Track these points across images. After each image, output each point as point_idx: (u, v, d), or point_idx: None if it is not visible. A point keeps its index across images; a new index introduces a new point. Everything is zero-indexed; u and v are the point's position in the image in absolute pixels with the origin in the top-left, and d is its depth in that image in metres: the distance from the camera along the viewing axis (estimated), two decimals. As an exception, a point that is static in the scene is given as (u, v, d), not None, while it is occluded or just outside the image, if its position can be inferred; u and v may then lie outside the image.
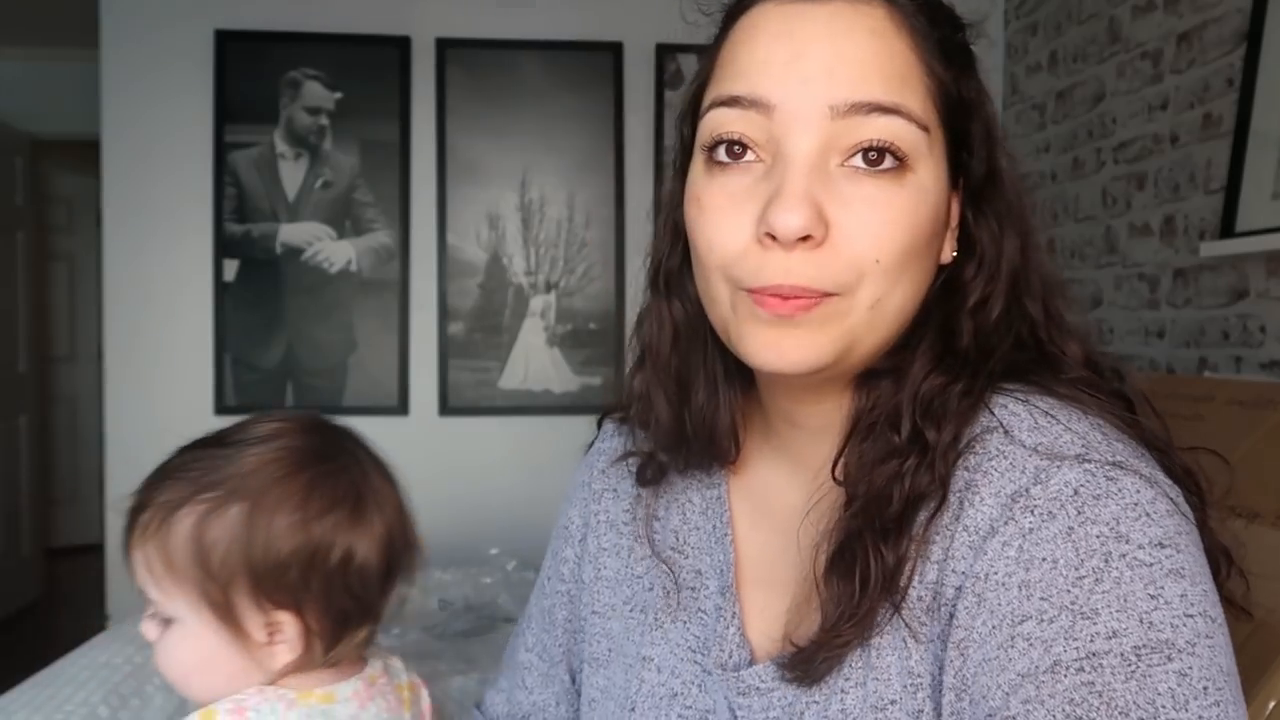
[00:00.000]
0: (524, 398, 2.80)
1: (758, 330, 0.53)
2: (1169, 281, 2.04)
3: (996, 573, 0.49)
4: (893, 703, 0.53)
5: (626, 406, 0.73)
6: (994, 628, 0.49)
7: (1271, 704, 0.88)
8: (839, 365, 0.54)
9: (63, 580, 4.51)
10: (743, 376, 0.64)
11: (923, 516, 0.54)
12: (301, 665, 0.67)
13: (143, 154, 2.71)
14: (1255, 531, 1.05)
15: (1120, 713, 0.44)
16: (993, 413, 0.54)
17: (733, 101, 0.54)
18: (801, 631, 0.58)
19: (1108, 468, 0.49)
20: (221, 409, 2.72)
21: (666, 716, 0.64)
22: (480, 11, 2.77)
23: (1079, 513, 0.48)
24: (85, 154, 3.60)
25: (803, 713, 0.57)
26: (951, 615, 0.51)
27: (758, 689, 0.60)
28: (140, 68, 2.71)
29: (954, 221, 0.58)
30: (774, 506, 0.65)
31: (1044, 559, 0.48)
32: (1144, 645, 0.45)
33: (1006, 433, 0.53)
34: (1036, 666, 0.46)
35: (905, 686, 0.53)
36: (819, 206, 0.51)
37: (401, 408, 2.75)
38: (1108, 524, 0.48)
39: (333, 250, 2.75)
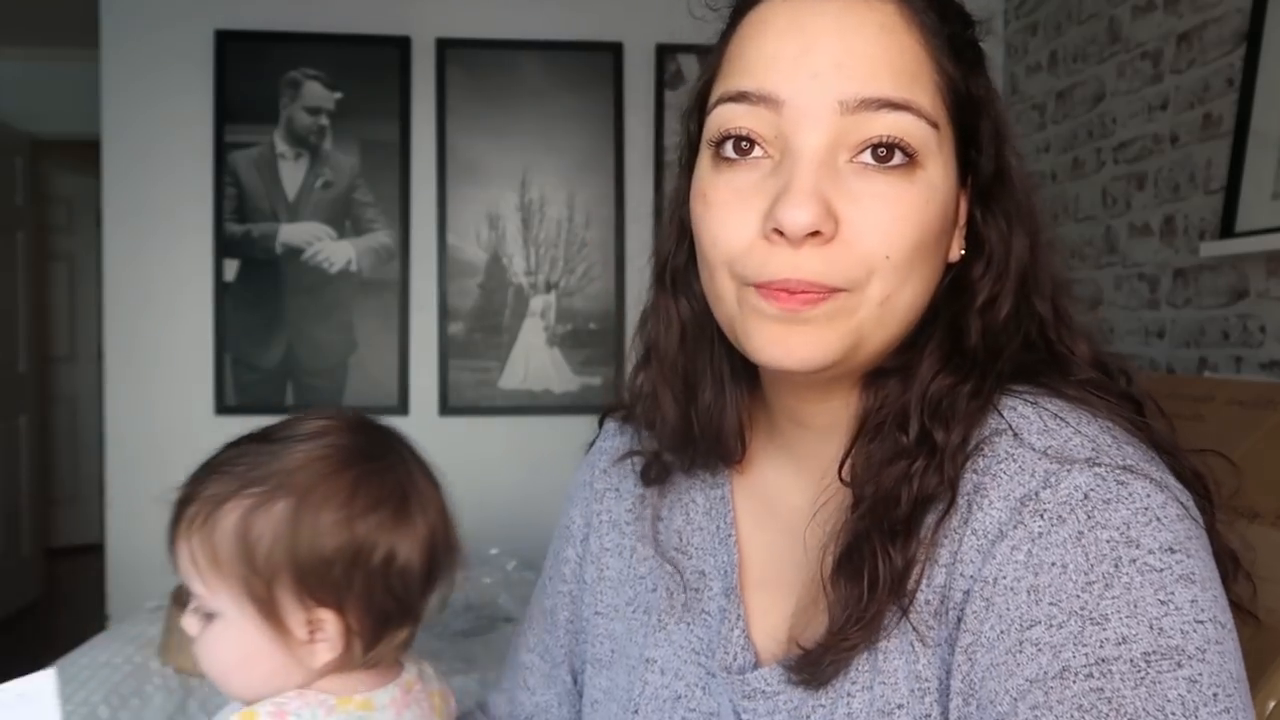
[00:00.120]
0: (524, 398, 2.80)
1: (764, 326, 0.53)
2: (1169, 281, 2.04)
3: (1005, 577, 0.49)
4: (900, 707, 0.53)
5: (629, 405, 0.73)
6: (1002, 632, 0.48)
7: (1271, 704, 0.88)
8: (846, 363, 0.54)
9: (63, 580, 4.51)
10: (749, 375, 0.64)
11: (931, 519, 0.53)
12: (341, 665, 0.67)
13: (143, 154, 2.71)
14: (1256, 532, 1.05)
15: (1129, 719, 0.44)
16: (1001, 415, 0.54)
17: (741, 97, 0.53)
18: (808, 634, 0.57)
19: (1118, 472, 0.49)
20: (222, 409, 2.72)
21: (670, 719, 0.64)
22: (480, 11, 2.77)
23: (1089, 517, 0.48)
24: (85, 154, 3.60)
25: (808, 716, 0.57)
26: (959, 619, 0.51)
27: (763, 692, 0.59)
28: (140, 68, 2.71)
29: (962, 219, 0.58)
30: (779, 507, 0.65)
31: (1053, 564, 0.48)
32: (1154, 652, 0.45)
33: (1015, 435, 0.52)
34: (1045, 672, 0.46)
35: (912, 691, 0.53)
36: (828, 202, 0.50)
37: (401, 408, 2.75)
38: (1118, 529, 0.47)
39: (333, 250, 2.75)
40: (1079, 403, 0.54)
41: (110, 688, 1.49)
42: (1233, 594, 0.51)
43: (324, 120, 2.73)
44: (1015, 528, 0.49)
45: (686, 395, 0.64)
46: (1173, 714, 0.44)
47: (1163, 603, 0.46)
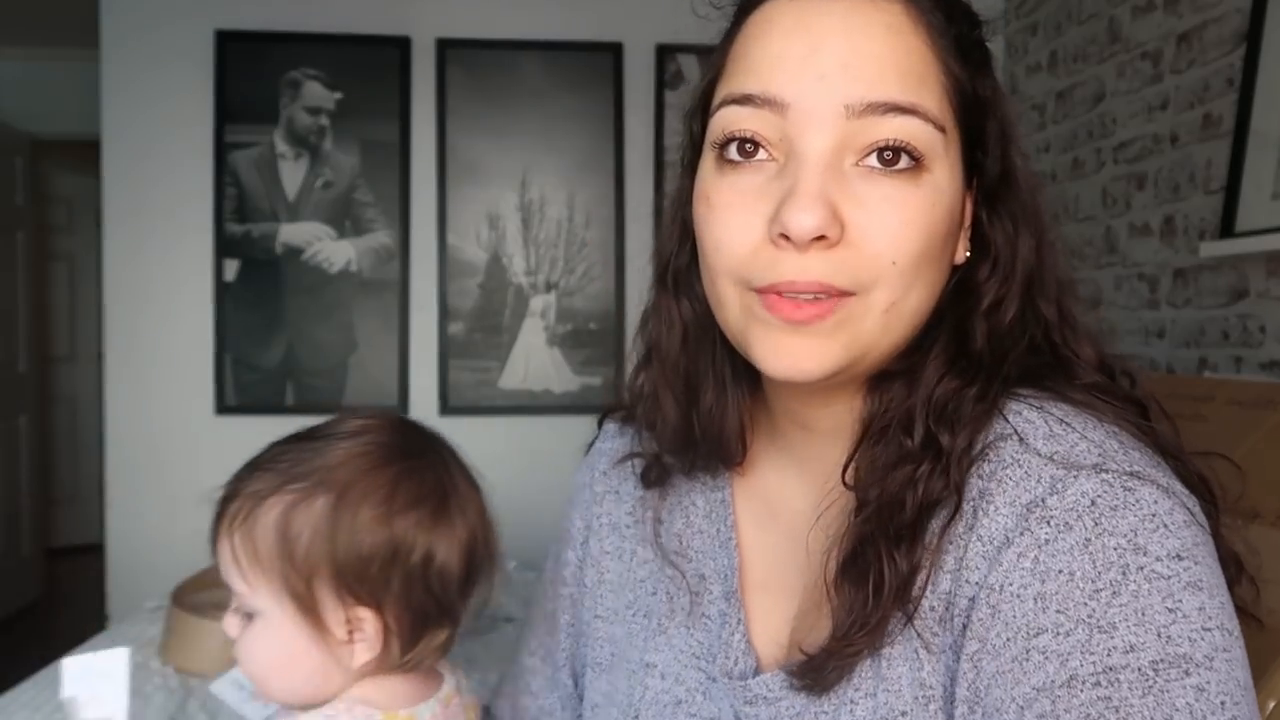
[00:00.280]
0: (524, 398, 2.80)
1: (769, 336, 0.52)
2: (1169, 281, 2.04)
3: (1012, 584, 0.48)
4: (903, 714, 0.52)
5: (628, 406, 0.72)
6: (1009, 640, 0.48)
7: (1272, 704, 0.88)
8: (851, 370, 0.54)
9: (63, 580, 4.51)
10: (750, 378, 0.63)
11: (936, 524, 0.53)
12: (379, 666, 0.67)
13: (143, 154, 2.71)
14: (1256, 532, 1.05)
15: None
16: (1007, 419, 0.54)
17: (745, 99, 0.52)
18: (811, 639, 0.57)
19: (1125, 478, 0.49)
20: (222, 409, 2.72)
21: None
22: (480, 11, 2.77)
23: (1096, 524, 0.47)
24: (85, 154, 3.59)
25: None
26: (965, 626, 0.50)
27: (765, 698, 0.59)
28: (140, 68, 2.70)
29: (967, 221, 0.57)
30: (781, 510, 0.65)
31: (1060, 571, 0.47)
32: (1162, 660, 0.44)
33: (1021, 440, 0.52)
34: (1052, 680, 0.46)
35: (916, 698, 0.52)
36: (833, 206, 0.50)
37: (401, 408, 2.75)
38: (1125, 536, 0.47)
39: (333, 250, 2.75)
40: (1084, 407, 0.54)
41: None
42: (1236, 597, 0.50)
43: (324, 120, 2.73)
44: (1022, 534, 0.49)
45: (688, 397, 0.64)
46: None
47: (1170, 610, 0.45)
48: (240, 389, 2.72)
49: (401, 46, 2.74)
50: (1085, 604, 0.46)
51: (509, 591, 2.02)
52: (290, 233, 2.73)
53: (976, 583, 0.50)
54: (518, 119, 2.77)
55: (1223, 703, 0.44)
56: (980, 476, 0.52)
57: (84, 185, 4.63)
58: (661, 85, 2.79)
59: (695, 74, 2.77)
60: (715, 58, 0.58)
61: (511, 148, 2.78)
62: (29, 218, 4.26)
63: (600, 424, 0.79)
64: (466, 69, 2.76)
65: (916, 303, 0.53)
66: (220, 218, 2.71)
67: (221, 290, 2.72)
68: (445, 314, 2.78)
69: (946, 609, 0.52)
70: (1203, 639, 0.45)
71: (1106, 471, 0.49)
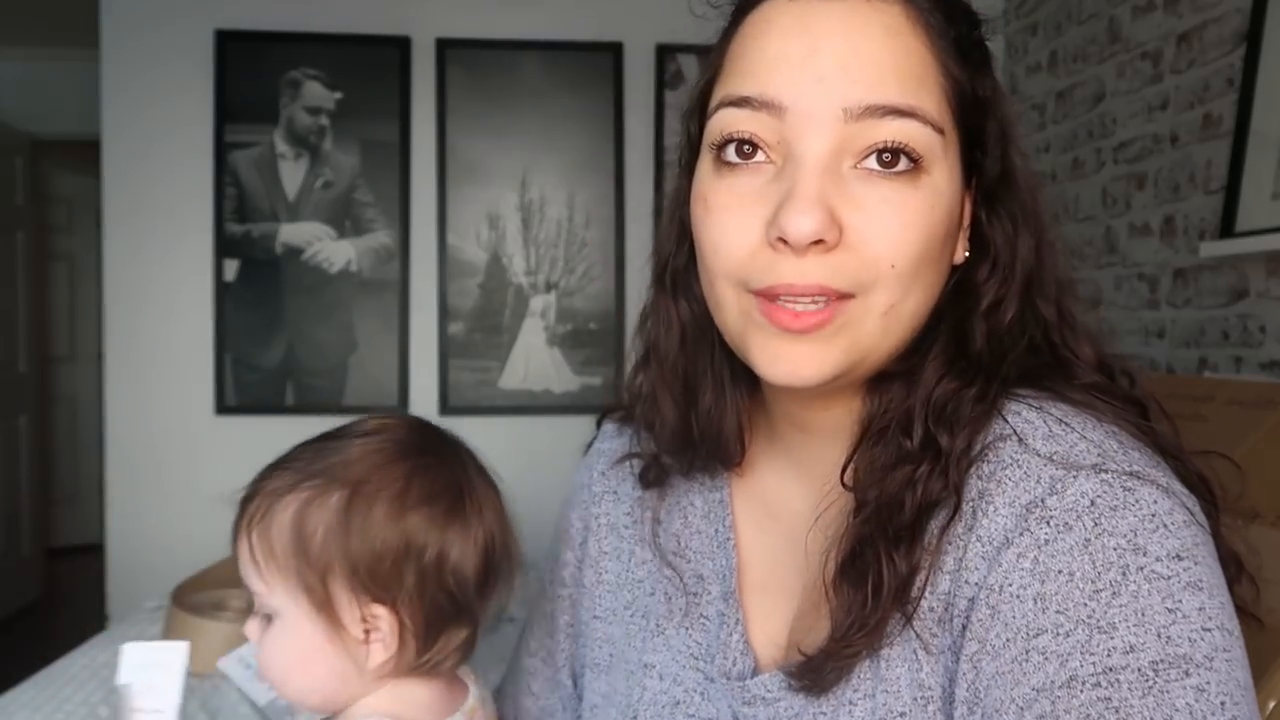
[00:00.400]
0: (524, 398, 2.80)
1: (767, 342, 0.52)
2: (1169, 281, 2.04)
3: (1011, 585, 0.48)
4: (902, 715, 0.52)
5: (627, 406, 0.72)
6: (1008, 641, 0.48)
7: (1272, 704, 0.88)
8: (850, 375, 0.54)
9: (63, 580, 4.51)
10: (749, 378, 0.63)
11: (935, 525, 0.53)
12: (397, 667, 0.66)
13: (143, 154, 2.71)
14: (1256, 532, 1.05)
15: None
16: (1006, 420, 0.53)
17: (743, 102, 0.52)
18: (809, 640, 0.57)
19: (1124, 478, 0.49)
20: (222, 409, 2.72)
21: None
22: (480, 11, 2.77)
23: (1096, 524, 0.47)
24: (85, 154, 3.59)
25: None
26: (964, 627, 0.50)
27: (763, 698, 0.59)
28: (140, 68, 2.70)
29: (966, 221, 0.57)
30: (779, 511, 0.64)
31: (1060, 571, 0.47)
32: (1162, 660, 0.44)
33: (1021, 441, 0.52)
34: (1052, 681, 0.46)
35: (915, 699, 0.52)
36: (831, 209, 0.50)
37: (402, 407, 2.75)
38: (1125, 536, 0.47)
39: (333, 250, 2.75)
40: (1084, 407, 0.54)
41: (110, 688, 1.49)
42: (1236, 597, 0.50)
43: (324, 120, 2.73)
44: (1021, 535, 0.49)
45: (686, 398, 0.64)
46: None
47: (1170, 610, 0.45)
48: (240, 389, 2.72)
49: (401, 46, 2.74)
50: (1085, 604, 0.46)
51: (509, 591, 2.02)
52: (290, 233, 2.73)
53: (976, 583, 0.50)
54: (518, 119, 2.77)
55: (1223, 703, 0.44)
56: (979, 477, 0.52)
57: (84, 185, 4.63)
58: (661, 85, 2.79)
59: (695, 74, 2.76)
60: (713, 58, 0.58)
61: (511, 148, 2.78)
62: (29, 218, 4.26)
63: (599, 424, 0.79)
64: (466, 69, 2.76)
65: (916, 304, 0.53)
66: (220, 218, 2.71)
67: (221, 290, 2.72)
68: (445, 314, 2.78)
69: (945, 610, 0.52)
70: (1203, 639, 0.45)
71: (1106, 471, 0.49)
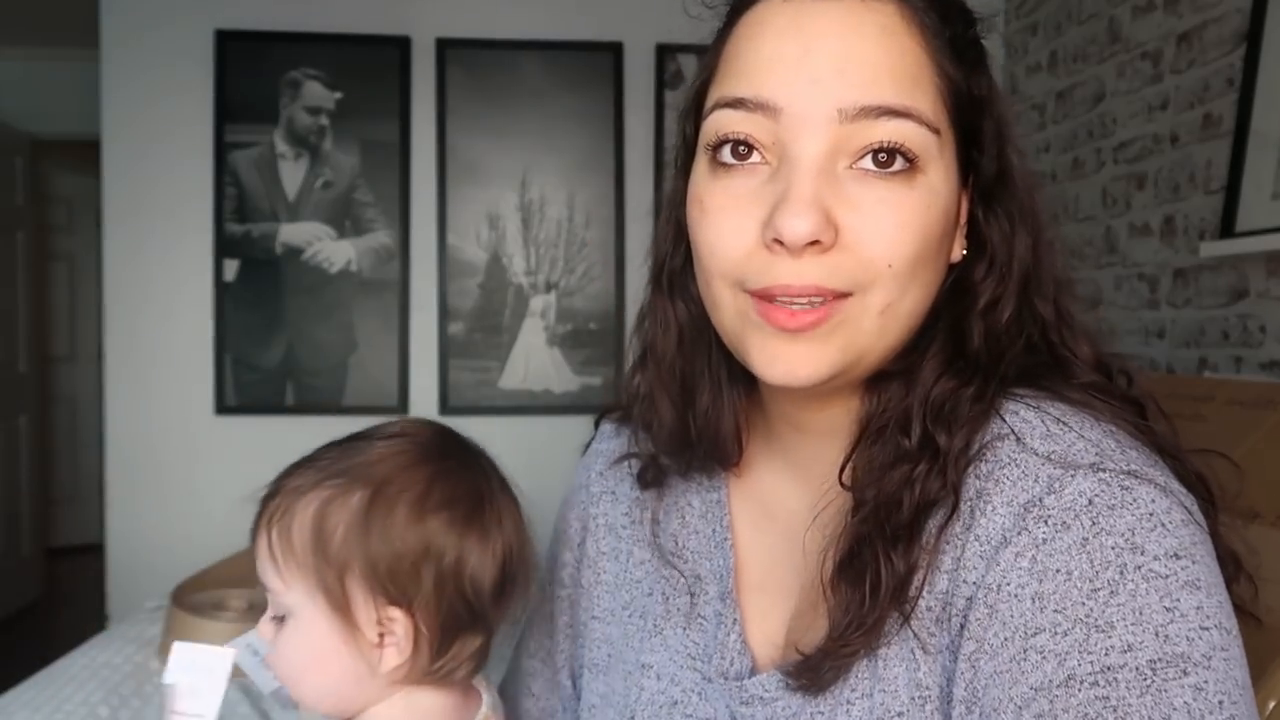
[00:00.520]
0: (524, 398, 2.80)
1: (765, 343, 0.52)
2: (1169, 281, 2.04)
3: (1009, 584, 0.48)
4: (900, 715, 0.52)
5: (625, 406, 0.72)
6: (1006, 640, 0.48)
7: (1272, 704, 0.88)
8: (848, 374, 0.54)
9: (63, 580, 4.51)
10: (746, 379, 0.63)
11: (933, 524, 0.53)
12: (410, 674, 0.66)
13: (143, 154, 2.71)
14: (1256, 532, 1.05)
15: None
16: (1004, 419, 0.53)
17: (738, 103, 0.52)
18: (807, 639, 0.57)
19: (1122, 477, 0.49)
20: (222, 409, 2.72)
21: None
22: (480, 11, 2.77)
23: (1094, 523, 0.47)
24: (85, 154, 3.59)
25: None
26: (962, 626, 0.50)
27: (761, 698, 0.59)
28: (140, 68, 2.70)
29: (963, 219, 0.57)
30: (777, 511, 0.64)
31: (1058, 570, 0.47)
32: (1159, 659, 0.44)
33: (1019, 440, 0.52)
34: (1050, 680, 0.46)
35: (913, 699, 0.52)
36: (827, 210, 0.50)
37: (401, 408, 2.75)
38: (1123, 535, 0.47)
39: (333, 250, 2.75)
40: (1082, 406, 0.54)
41: (110, 688, 1.49)
42: (1234, 595, 0.50)
43: (324, 120, 2.73)
44: (1019, 534, 0.49)
45: (683, 398, 0.64)
46: None
47: (1168, 609, 0.45)
48: (240, 389, 2.72)
49: (401, 46, 2.74)
50: (1083, 603, 0.46)
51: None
52: (290, 233, 2.73)
53: (974, 582, 0.50)
54: (518, 119, 2.77)
55: (1220, 702, 0.44)
56: (977, 476, 0.52)
57: (84, 185, 4.63)
58: (661, 85, 2.79)
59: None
60: (708, 59, 0.58)
61: (511, 148, 2.78)
62: (29, 218, 4.26)
63: (597, 424, 0.79)
64: (466, 69, 2.76)
65: (912, 304, 0.53)
66: (220, 218, 2.71)
67: (221, 290, 2.72)
68: (445, 314, 2.78)
69: (943, 609, 0.52)
70: (1200, 638, 0.45)
71: (1104, 471, 0.49)
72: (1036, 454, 0.51)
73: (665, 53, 2.78)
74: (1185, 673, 0.44)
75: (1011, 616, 0.48)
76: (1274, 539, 1.03)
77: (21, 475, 4.20)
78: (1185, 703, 0.44)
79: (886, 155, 0.51)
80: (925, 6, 0.53)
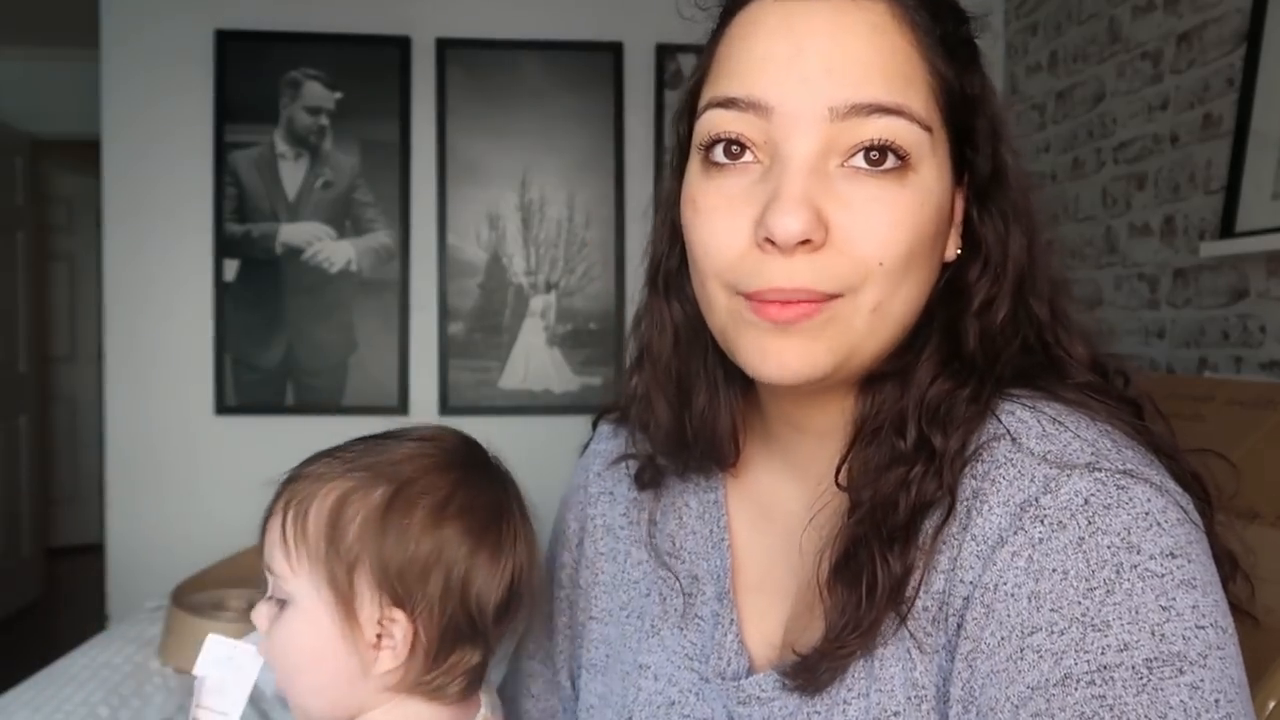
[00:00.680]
0: (524, 398, 2.80)
1: (756, 339, 0.52)
2: (1169, 281, 2.04)
3: (1006, 583, 0.48)
4: (896, 715, 0.52)
5: (623, 407, 0.72)
6: (1003, 639, 0.48)
7: (1271, 704, 0.88)
8: (840, 373, 0.53)
9: (63, 580, 4.51)
10: (743, 379, 0.63)
11: (929, 525, 0.53)
12: (402, 680, 0.66)
13: (143, 154, 2.71)
14: (1255, 532, 1.05)
15: None
16: (1000, 420, 0.53)
17: (730, 103, 0.52)
18: (804, 640, 0.57)
19: (1118, 476, 0.49)
20: (222, 409, 2.72)
21: None
22: (480, 11, 2.77)
23: (1090, 523, 0.47)
24: (85, 154, 3.60)
25: None
26: (959, 626, 0.50)
27: (758, 698, 0.59)
28: (140, 68, 2.70)
29: (958, 219, 0.57)
30: (774, 511, 0.64)
31: (1054, 570, 0.47)
32: (1156, 658, 0.44)
33: (1014, 440, 0.52)
34: (1046, 679, 0.46)
35: (909, 698, 0.52)
36: (818, 209, 0.50)
37: (401, 408, 2.75)
38: (1119, 534, 0.47)
39: (333, 250, 2.75)
40: (1077, 406, 0.54)
41: (110, 688, 1.49)
42: (1230, 594, 0.50)
43: (324, 120, 2.73)
44: (1016, 534, 0.49)
45: (680, 399, 0.64)
46: None
47: (1164, 609, 0.45)
48: (240, 389, 2.73)
49: (401, 46, 2.74)
50: (1079, 602, 0.46)
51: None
52: (290, 233, 2.73)
53: (971, 582, 0.50)
54: (518, 119, 2.77)
55: (1216, 700, 0.44)
56: (974, 477, 0.52)
57: (84, 185, 4.63)
58: (661, 85, 2.79)
59: (695, 74, 2.76)
60: (701, 59, 0.58)
61: (511, 148, 2.78)
62: (29, 218, 4.26)
63: (594, 425, 0.79)
64: (466, 69, 2.76)
65: (904, 303, 0.53)
66: (220, 218, 2.71)
67: (221, 290, 2.72)
68: (445, 314, 2.78)
69: (940, 609, 0.52)
70: (1197, 637, 0.45)
71: (1100, 470, 0.49)
72: (1032, 454, 0.51)
73: (665, 53, 2.78)
74: (1181, 671, 0.44)
75: (1008, 616, 0.48)
76: (1274, 539, 1.03)
77: (21, 475, 4.20)
78: (1181, 701, 0.44)
79: (878, 153, 0.51)
80: (916, 5, 0.53)
